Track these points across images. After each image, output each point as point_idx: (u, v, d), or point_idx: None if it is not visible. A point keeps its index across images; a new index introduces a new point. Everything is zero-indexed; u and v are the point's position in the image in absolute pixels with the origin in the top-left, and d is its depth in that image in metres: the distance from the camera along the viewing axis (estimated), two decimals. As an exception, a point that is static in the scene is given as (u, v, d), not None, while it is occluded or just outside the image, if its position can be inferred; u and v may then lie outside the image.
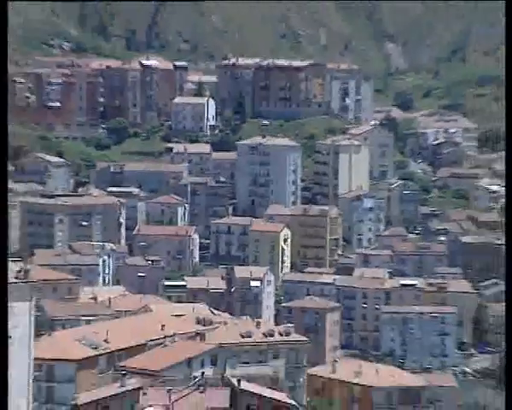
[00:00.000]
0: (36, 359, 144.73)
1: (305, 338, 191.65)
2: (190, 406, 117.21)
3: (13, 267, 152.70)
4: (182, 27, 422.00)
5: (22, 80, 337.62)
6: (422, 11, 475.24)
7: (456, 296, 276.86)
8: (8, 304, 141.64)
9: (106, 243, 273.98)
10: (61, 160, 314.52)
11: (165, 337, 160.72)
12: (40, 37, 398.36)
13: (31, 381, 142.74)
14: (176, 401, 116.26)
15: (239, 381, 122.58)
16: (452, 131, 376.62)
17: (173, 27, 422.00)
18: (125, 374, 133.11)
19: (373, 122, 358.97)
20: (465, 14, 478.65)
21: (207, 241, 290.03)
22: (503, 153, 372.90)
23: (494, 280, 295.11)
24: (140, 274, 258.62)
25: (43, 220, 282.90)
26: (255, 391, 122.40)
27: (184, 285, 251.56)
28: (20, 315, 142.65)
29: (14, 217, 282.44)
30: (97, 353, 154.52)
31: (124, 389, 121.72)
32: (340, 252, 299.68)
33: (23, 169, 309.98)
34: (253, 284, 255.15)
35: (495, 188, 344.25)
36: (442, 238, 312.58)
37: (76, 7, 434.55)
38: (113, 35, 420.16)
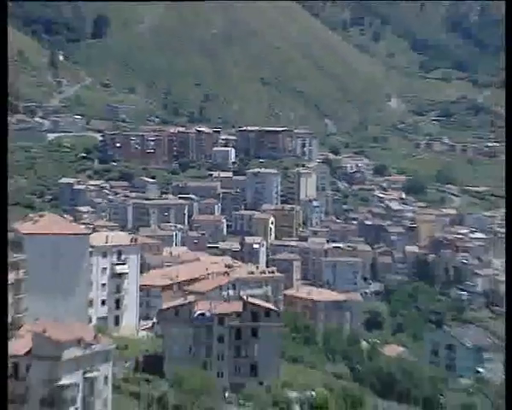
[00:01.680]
0: (140, 285, 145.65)
1: (282, 275, 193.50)
2: (221, 309, 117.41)
3: (128, 237, 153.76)
4: (217, 111, 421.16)
5: (134, 138, 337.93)
6: (343, 100, 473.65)
7: (361, 253, 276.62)
8: (127, 256, 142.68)
9: (177, 224, 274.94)
10: (153, 180, 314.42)
11: (208, 274, 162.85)
12: (142, 116, 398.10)
13: (138, 297, 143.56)
14: (214, 307, 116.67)
15: (247, 297, 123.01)
16: (360, 165, 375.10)
17: (213, 110, 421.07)
18: (187, 294, 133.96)
19: (318, 161, 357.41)
20: (366, 103, 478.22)
21: (230, 223, 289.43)
22: (389, 177, 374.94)
23: (382, 244, 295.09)
24: (195, 241, 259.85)
25: (144, 212, 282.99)
26: (256, 303, 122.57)
27: (218, 247, 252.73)
28: (132, 263, 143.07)
29: (129, 212, 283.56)
30: (172, 282, 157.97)
31: (185, 301, 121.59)
32: (301, 229, 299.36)
33: (133, 185, 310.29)
34: (254, 246, 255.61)
35: (382, 196, 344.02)
36: (354, 222, 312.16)
37: (161, 100, 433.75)
38: (182, 114, 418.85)
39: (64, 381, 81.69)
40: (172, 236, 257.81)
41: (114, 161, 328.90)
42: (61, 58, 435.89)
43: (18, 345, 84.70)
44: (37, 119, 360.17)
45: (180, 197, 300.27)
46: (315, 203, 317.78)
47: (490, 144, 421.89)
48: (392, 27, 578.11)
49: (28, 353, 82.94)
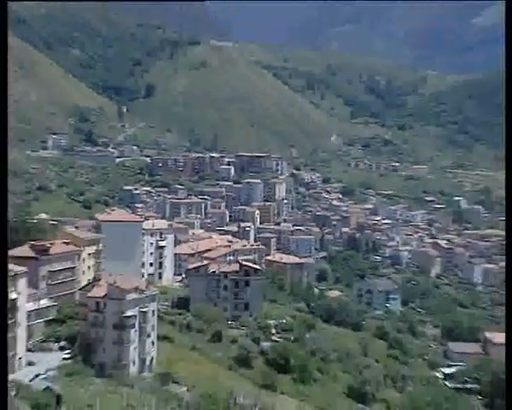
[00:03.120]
0: (174, 253, 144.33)
1: (264, 247, 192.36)
2: (225, 269, 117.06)
3: (166, 223, 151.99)
4: (223, 143, 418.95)
5: (170, 161, 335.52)
6: (302, 137, 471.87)
7: (314, 233, 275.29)
8: (165, 235, 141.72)
9: (197, 215, 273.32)
10: (182, 187, 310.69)
11: (217, 247, 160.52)
12: (175, 147, 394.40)
13: (173, 261, 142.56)
14: (223, 266, 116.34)
15: (242, 261, 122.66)
16: (313, 177, 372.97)
17: (220, 143, 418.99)
18: (203, 259, 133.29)
19: (286, 174, 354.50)
20: (317, 138, 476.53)
21: (231, 214, 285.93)
22: (331, 184, 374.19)
23: (327, 227, 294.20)
24: (208, 225, 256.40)
25: (176, 207, 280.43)
26: (247, 264, 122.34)
27: (223, 229, 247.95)
28: (169, 239, 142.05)
29: (167, 207, 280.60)
30: (194, 252, 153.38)
31: (203, 263, 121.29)
32: (276, 218, 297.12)
33: (170, 190, 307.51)
34: (246, 228, 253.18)
35: (327, 196, 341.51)
36: (309, 213, 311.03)
37: (187, 136, 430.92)
38: (200, 146, 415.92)
39: (127, 313, 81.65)
40: (194, 222, 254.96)
41: (158, 175, 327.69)
42: (124, 110, 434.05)
43: (98, 290, 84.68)
44: (109, 149, 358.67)
45: (199, 198, 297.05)
46: (285, 201, 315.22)
47: (393, 164, 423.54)
48: (333, 91, 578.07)
49: (105, 296, 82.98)
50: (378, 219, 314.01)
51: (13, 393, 58.57)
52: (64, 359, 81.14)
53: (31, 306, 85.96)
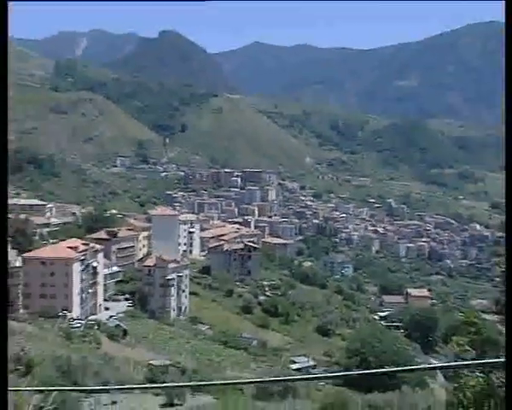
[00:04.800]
0: (200, 237, 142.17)
1: (260, 232, 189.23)
2: (235, 247, 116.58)
3: (195, 216, 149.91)
4: (233, 162, 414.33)
5: (198, 174, 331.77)
6: (286, 158, 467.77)
7: (294, 223, 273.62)
8: (194, 224, 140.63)
9: (216, 210, 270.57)
10: (206, 192, 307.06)
11: (229, 232, 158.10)
12: (201, 165, 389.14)
13: (199, 241, 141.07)
14: (233, 245, 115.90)
15: (246, 242, 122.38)
16: (294, 186, 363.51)
17: (230, 162, 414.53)
18: (220, 240, 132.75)
19: (276, 184, 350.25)
20: (296, 160, 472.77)
21: (239, 211, 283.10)
22: (306, 190, 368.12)
23: (303, 219, 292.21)
24: (223, 217, 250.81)
25: (202, 205, 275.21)
26: (249, 244, 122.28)
27: (233, 220, 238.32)
28: (196, 227, 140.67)
29: (195, 205, 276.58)
30: (213, 235, 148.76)
31: (219, 243, 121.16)
32: (269, 213, 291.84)
33: (197, 194, 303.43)
34: (249, 220, 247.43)
35: (303, 198, 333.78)
36: (291, 210, 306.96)
37: (209, 158, 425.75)
38: (218, 164, 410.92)
39: (169, 277, 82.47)
40: (214, 216, 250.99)
41: (189, 184, 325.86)
42: (167, 141, 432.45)
43: (150, 261, 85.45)
44: (157, 166, 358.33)
45: (217, 199, 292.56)
46: (275, 202, 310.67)
47: (347, 177, 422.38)
48: (307, 128, 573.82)
49: (154, 265, 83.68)
50: (337, 213, 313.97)
51: (95, 327, 59.35)
52: (128, 306, 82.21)
53: (106, 271, 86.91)
